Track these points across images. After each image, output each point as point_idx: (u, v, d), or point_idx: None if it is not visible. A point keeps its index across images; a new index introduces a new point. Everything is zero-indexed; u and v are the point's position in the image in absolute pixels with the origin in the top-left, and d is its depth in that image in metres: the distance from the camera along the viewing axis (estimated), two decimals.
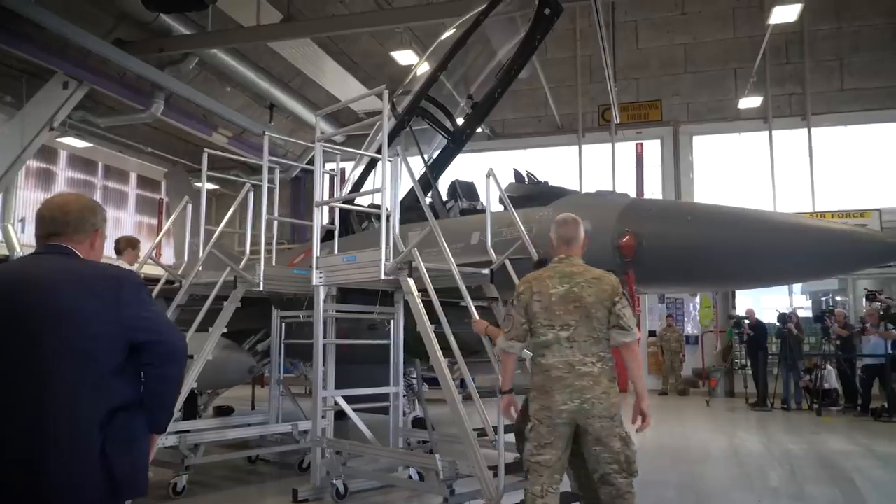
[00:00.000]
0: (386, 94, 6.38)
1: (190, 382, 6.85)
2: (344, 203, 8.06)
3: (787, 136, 17.93)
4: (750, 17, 18.08)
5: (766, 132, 17.95)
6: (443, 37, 8.71)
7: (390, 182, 6.41)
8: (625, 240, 5.94)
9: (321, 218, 6.99)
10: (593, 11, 12.28)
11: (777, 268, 5.40)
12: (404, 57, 13.70)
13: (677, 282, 6.42)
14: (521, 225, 6.46)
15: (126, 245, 7.33)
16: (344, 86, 17.40)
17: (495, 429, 5.35)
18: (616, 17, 18.09)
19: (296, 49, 15.61)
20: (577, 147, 19.18)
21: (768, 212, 6.67)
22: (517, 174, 7.88)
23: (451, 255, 5.97)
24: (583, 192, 7.74)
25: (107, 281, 2.51)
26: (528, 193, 7.23)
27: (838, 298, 17.27)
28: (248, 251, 7.40)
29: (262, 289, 7.17)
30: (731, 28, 18.43)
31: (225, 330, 7.13)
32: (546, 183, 7.78)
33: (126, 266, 7.00)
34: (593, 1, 11.85)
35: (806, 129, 17.70)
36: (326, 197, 8.02)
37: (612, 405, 3.99)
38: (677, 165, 18.48)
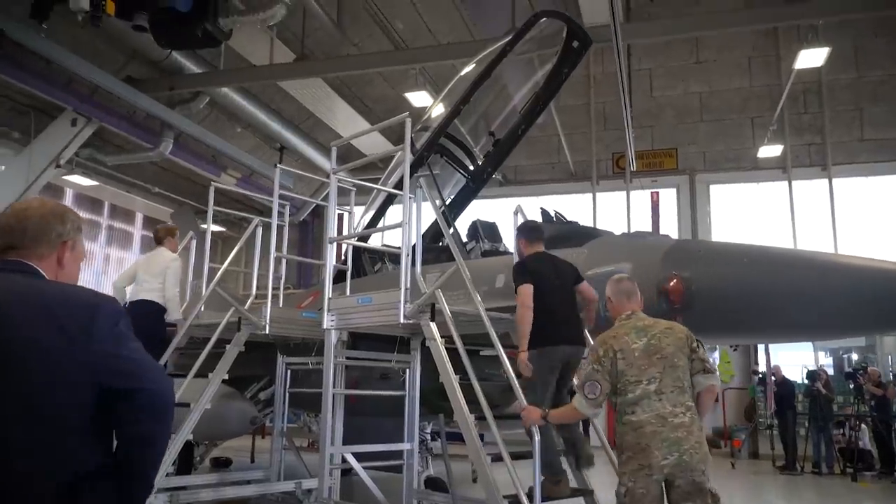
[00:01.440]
0: (409, 121, 5.92)
1: (186, 433, 6.21)
2: (358, 241, 7.60)
3: (808, 187, 17.44)
4: (767, 65, 17.87)
5: (786, 182, 17.48)
6: (463, 72, 8.27)
7: (412, 217, 5.93)
8: (671, 284, 5.43)
9: (333, 256, 6.41)
10: (615, 56, 11.96)
11: (859, 316, 4.76)
12: (419, 98, 13.34)
13: (733, 331, 5.77)
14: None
15: (166, 234, 7.37)
16: (356, 129, 17.05)
17: (530, 495, 4.68)
18: (630, 64, 17.92)
19: (308, 90, 15.30)
20: (590, 195, 18.78)
21: (839, 254, 6.09)
22: (545, 214, 7.41)
23: (479, 297, 5.38)
24: (618, 232, 7.16)
25: (75, 308, 1.91)
26: (559, 234, 6.72)
27: (854, 356, 16.58)
28: (254, 291, 6.83)
29: (268, 332, 6.62)
30: (747, 77, 18.18)
31: (226, 376, 6.54)
32: (577, 223, 7.26)
33: (170, 255, 7.06)
34: (615, 46, 11.53)
35: (826, 180, 17.18)
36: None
37: (705, 455, 3.88)
38: (694, 215, 18.01)
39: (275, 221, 7.14)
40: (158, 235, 7.55)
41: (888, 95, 16.96)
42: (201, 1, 11.15)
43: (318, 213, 20.33)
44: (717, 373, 4.02)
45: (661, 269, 5.56)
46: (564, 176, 19.06)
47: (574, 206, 18.34)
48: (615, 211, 18.27)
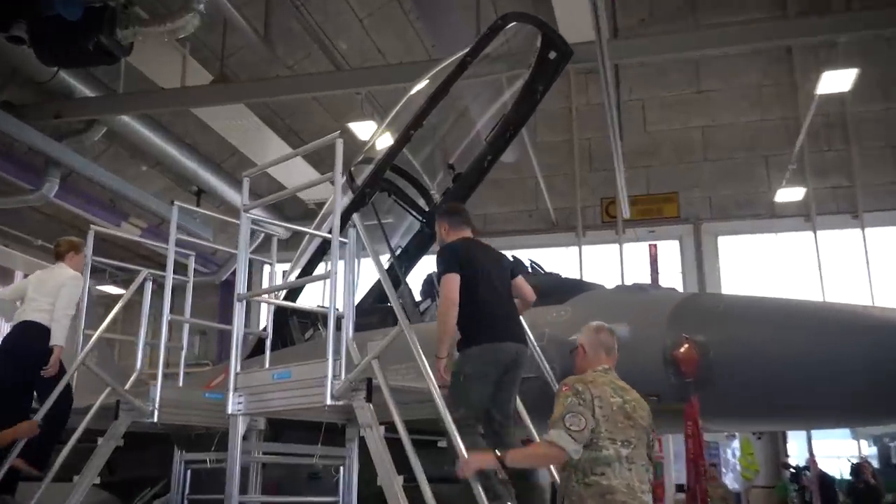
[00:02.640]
0: (340, 142, 5.56)
1: None
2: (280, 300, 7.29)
3: (836, 237, 17.40)
4: (780, 95, 18.09)
5: (810, 231, 17.41)
6: (414, 89, 8.00)
7: (343, 268, 5.51)
8: (682, 351, 5.23)
9: (241, 318, 5.89)
10: (601, 83, 11.79)
11: None
12: (365, 129, 13.06)
13: (764, 414, 5.53)
14: (528, 330, 5.57)
15: (68, 248, 7.46)
16: (292, 169, 16.70)
17: None
18: (620, 94, 17.91)
19: (231, 122, 15.06)
20: (576, 248, 18.58)
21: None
22: (519, 263, 6.94)
23: (429, 370, 4.93)
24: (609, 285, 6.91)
25: None
26: (534, 287, 6.36)
27: None
28: (139, 365, 6.43)
29: (156, 419, 6.13)
30: (757, 108, 18.35)
31: (98, 480, 5.95)
32: (557, 274, 7.03)
33: (68, 272, 7.22)
34: (601, 68, 11.34)
35: (859, 229, 17.07)
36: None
37: None
38: (701, 272, 17.86)
39: (169, 275, 6.69)
40: (59, 250, 7.56)
41: None
42: (94, 9, 10.94)
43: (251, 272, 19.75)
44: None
45: (669, 331, 5.42)
46: (544, 225, 18.88)
47: (556, 262, 18.02)
48: (605, 267, 18.01)
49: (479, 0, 12.88)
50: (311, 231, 6.71)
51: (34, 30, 11.24)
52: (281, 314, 8.28)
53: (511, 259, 5.49)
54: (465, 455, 4.47)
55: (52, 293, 7.08)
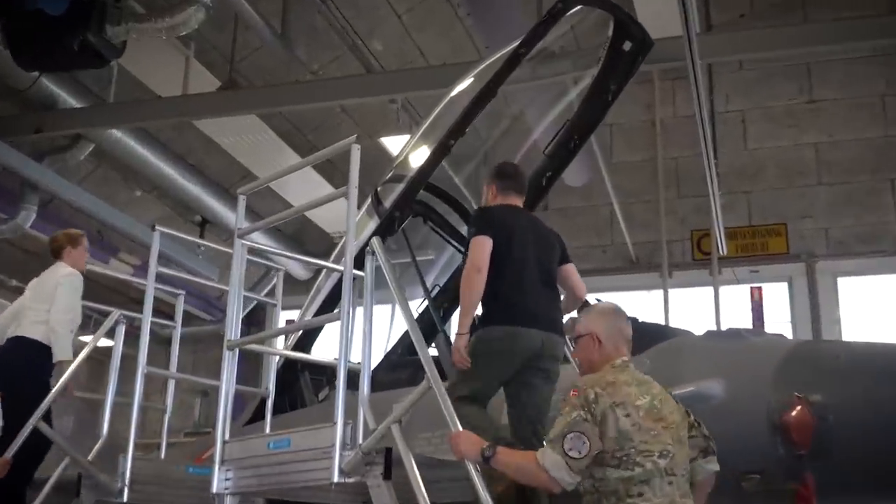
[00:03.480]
0: (356, 148, 5.37)
1: None
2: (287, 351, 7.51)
3: None
4: None
5: None
6: (455, 91, 7.96)
7: (365, 306, 5.36)
8: (794, 414, 5.13)
9: (234, 370, 5.70)
10: (691, 89, 11.43)
11: None
12: (400, 144, 12.87)
13: None
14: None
15: (66, 241, 7.64)
16: (314, 194, 16.64)
17: None
18: (715, 104, 17.66)
19: (243, 138, 15.03)
20: (660, 291, 18.12)
21: None
22: (585, 305, 6.76)
23: None
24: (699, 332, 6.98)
25: None
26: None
27: None
28: (105, 430, 6.45)
29: (125, 499, 6.05)
30: (881, 122, 17.81)
31: None
32: (633, 319, 6.61)
33: (65, 269, 7.43)
34: (691, 71, 11.00)
35: None
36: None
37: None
38: (816, 321, 17.26)
39: (147, 317, 6.70)
40: (54, 245, 7.76)
41: None
42: (80, 2, 11.01)
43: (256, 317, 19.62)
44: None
45: (776, 389, 5.36)
46: (622, 264, 18.56)
47: (635, 307, 17.66)
48: (697, 315, 17.55)
49: None
50: (320, 262, 6.55)
51: (10, 26, 11.43)
52: (290, 370, 8.31)
53: (561, 241, 5.67)
54: (458, 429, 4.48)
55: (48, 298, 7.20)
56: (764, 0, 17.34)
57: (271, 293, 10.20)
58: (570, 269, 5.64)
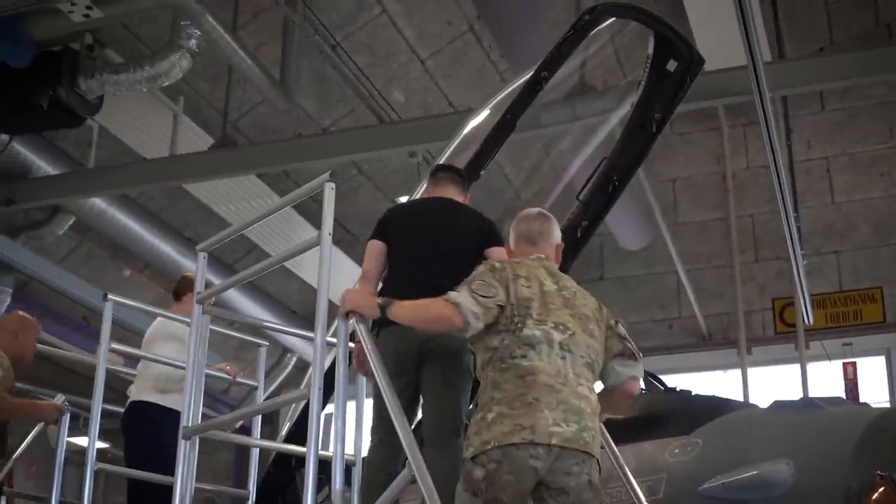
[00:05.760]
0: (330, 187, 5.02)
1: None
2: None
3: None
4: None
5: None
6: (471, 124, 7.69)
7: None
8: (876, 496, 5.12)
9: (192, 465, 5.57)
10: (763, 130, 11.03)
11: None
12: None
13: None
14: (633, 481, 5.28)
15: (188, 286, 8.00)
16: (333, 273, 16.44)
17: None
18: (794, 153, 17.32)
19: (244, 204, 14.82)
20: (738, 370, 17.64)
21: None
22: None
23: None
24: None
25: None
26: (652, 412, 6.61)
27: None
28: None
29: None
30: None
31: None
32: (686, 392, 6.98)
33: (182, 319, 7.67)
34: (760, 109, 10.60)
35: None
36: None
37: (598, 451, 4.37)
38: None
39: (97, 403, 6.81)
40: (180, 287, 8.77)
41: None
42: (49, 53, 11.07)
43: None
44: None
45: (853, 466, 5.35)
46: (692, 340, 18.35)
47: (710, 387, 17.25)
48: (782, 396, 17.04)
49: None
50: (299, 332, 6.17)
51: None
52: (284, 466, 8.12)
53: (488, 224, 5.64)
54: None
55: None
56: (845, 32, 17.24)
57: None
58: (492, 253, 5.45)
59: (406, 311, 4.62)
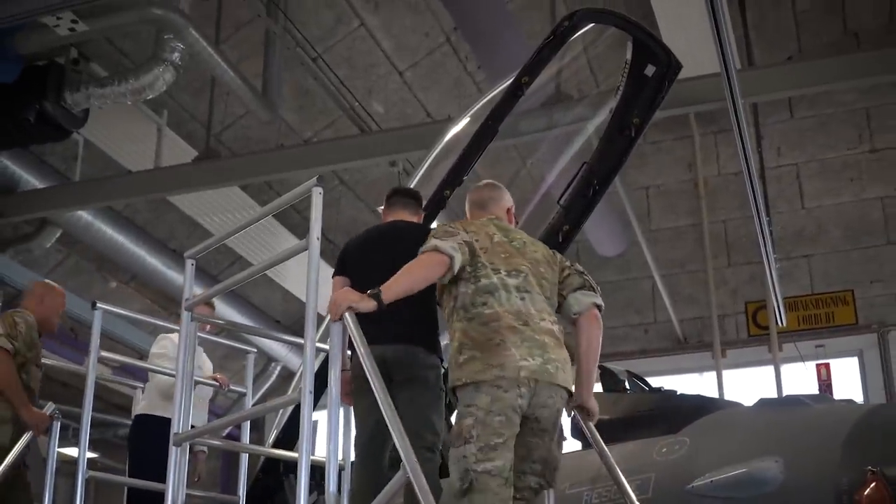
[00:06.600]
0: (318, 191, 4.97)
1: None
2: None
3: None
4: None
5: None
6: (451, 132, 7.70)
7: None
8: (868, 492, 4.95)
9: (182, 472, 5.51)
10: (735, 136, 11.06)
11: None
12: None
13: None
14: (623, 480, 5.18)
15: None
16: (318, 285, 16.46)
17: None
18: (765, 160, 17.41)
19: (229, 216, 14.80)
20: (713, 373, 17.51)
21: None
22: (608, 374, 6.93)
23: None
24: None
25: None
26: (636, 412, 6.57)
27: None
28: None
29: None
30: None
31: None
32: (671, 392, 6.92)
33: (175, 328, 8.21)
34: (732, 110, 10.65)
35: None
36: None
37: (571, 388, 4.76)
38: (893, 397, 16.73)
39: (87, 412, 6.85)
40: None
41: None
42: (35, 67, 11.05)
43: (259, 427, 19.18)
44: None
45: (843, 462, 5.21)
46: (667, 344, 18.29)
47: (687, 389, 17.27)
48: (756, 397, 17.05)
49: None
50: (287, 338, 6.15)
51: None
52: (272, 471, 7.95)
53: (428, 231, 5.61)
54: None
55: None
56: (814, 39, 17.34)
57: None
58: None
59: (397, 284, 4.67)
